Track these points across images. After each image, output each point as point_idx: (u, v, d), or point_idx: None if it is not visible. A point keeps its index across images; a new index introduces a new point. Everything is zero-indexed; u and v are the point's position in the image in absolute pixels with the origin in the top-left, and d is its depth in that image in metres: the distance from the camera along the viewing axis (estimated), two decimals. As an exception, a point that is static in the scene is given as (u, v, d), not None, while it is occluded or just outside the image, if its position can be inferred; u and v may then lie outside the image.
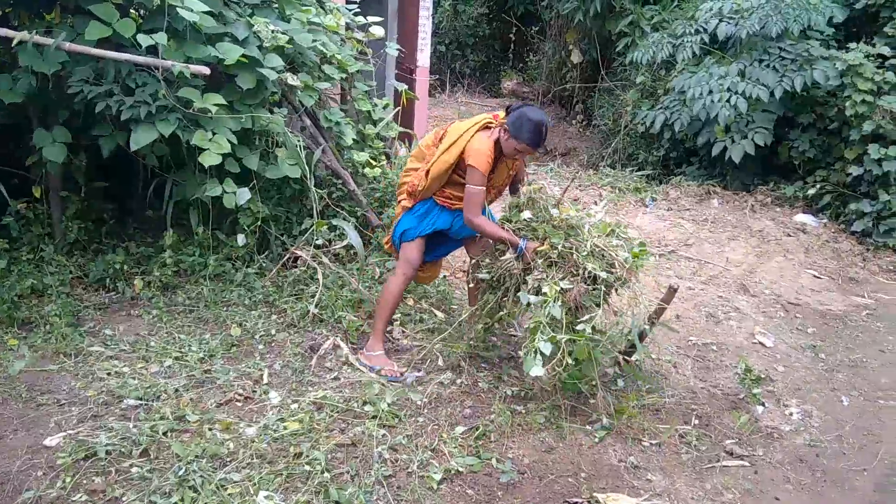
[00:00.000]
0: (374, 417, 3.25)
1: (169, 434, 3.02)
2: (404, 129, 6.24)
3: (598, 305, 3.27)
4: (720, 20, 7.15)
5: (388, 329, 4.03)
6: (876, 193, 6.25)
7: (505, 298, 3.54)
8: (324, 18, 5.11)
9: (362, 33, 5.63)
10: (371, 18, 5.67)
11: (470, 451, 3.12)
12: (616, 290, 3.39)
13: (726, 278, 5.46)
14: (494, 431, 3.26)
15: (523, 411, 3.43)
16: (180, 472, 2.75)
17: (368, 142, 5.61)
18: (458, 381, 3.66)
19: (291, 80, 4.61)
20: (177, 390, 3.38)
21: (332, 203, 4.96)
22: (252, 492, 2.71)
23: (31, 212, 4.64)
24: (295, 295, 4.42)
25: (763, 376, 4.00)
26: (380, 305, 3.78)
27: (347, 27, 5.58)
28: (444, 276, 4.86)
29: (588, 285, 3.27)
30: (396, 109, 6.21)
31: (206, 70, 4.08)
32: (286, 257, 4.68)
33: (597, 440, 3.27)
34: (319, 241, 4.69)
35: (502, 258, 3.52)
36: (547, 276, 3.29)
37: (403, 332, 4.19)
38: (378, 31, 5.65)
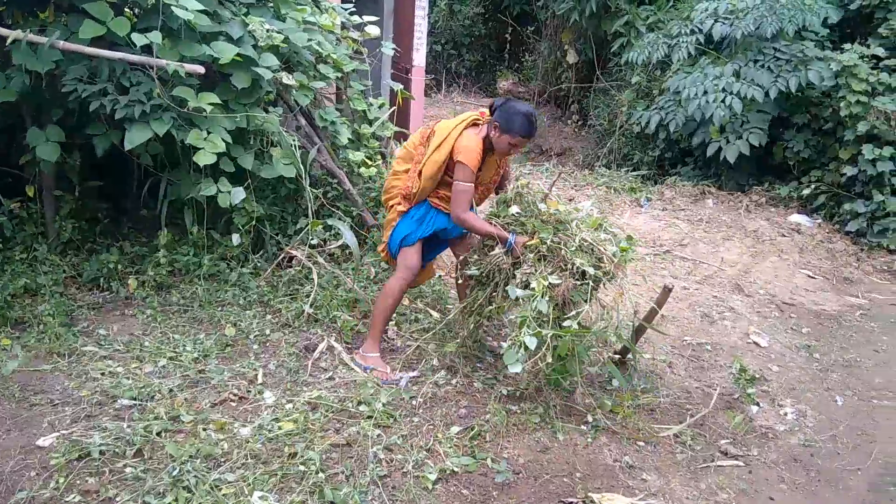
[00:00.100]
0: (370, 417, 3.24)
1: (163, 434, 3.01)
2: (400, 128, 6.23)
3: (585, 301, 3.27)
4: (715, 21, 7.17)
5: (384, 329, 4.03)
6: (870, 194, 6.27)
7: (494, 293, 3.52)
8: (319, 17, 5.10)
9: (358, 32, 5.62)
10: (367, 18, 5.66)
11: (465, 451, 3.11)
12: (604, 284, 3.39)
13: (721, 278, 5.47)
14: (490, 431, 3.25)
15: (518, 411, 3.43)
16: (174, 473, 2.74)
17: (364, 141, 5.60)
18: (454, 380, 3.66)
19: (286, 79, 4.60)
20: (171, 390, 3.36)
21: (328, 203, 4.96)
22: (246, 492, 2.70)
23: (25, 211, 4.62)
24: (290, 295, 4.42)
25: (758, 376, 4.01)
26: (377, 309, 3.77)
27: (343, 26, 5.57)
28: (440, 276, 4.86)
29: (576, 280, 3.27)
30: (392, 109, 6.21)
31: (201, 69, 4.07)
32: (281, 257, 4.67)
33: (590, 440, 3.27)
34: (314, 241, 4.68)
35: (491, 253, 3.51)
36: (536, 271, 3.29)
37: (398, 332, 4.18)
38: (374, 31, 5.64)
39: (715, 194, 7.28)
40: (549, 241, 3.33)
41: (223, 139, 4.21)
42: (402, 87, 6.30)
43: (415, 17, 7.43)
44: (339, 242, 4.77)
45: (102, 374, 3.48)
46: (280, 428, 3.10)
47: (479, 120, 3.63)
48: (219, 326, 4.06)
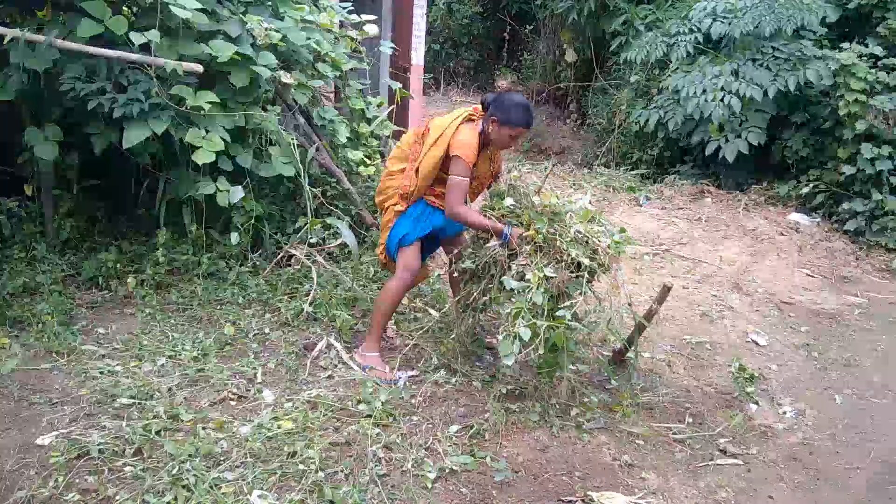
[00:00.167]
0: (369, 416, 3.24)
1: (162, 433, 3.00)
2: (398, 127, 6.23)
3: (580, 293, 3.28)
4: (714, 19, 7.18)
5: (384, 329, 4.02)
6: (869, 192, 6.28)
7: (489, 286, 3.49)
8: (318, 16, 5.09)
9: (356, 31, 5.62)
10: (365, 16, 5.66)
11: (464, 449, 3.11)
12: (598, 277, 3.39)
13: (720, 277, 5.47)
14: (489, 430, 3.25)
15: (517, 410, 3.43)
16: (174, 471, 2.74)
17: (362, 140, 5.60)
18: (453, 379, 3.66)
19: (285, 77, 4.59)
20: (170, 389, 3.36)
21: (327, 201, 4.95)
22: (246, 491, 2.70)
23: (23, 210, 4.61)
24: (289, 293, 4.41)
25: (756, 375, 4.01)
26: (377, 309, 3.75)
27: (341, 25, 5.57)
28: (438, 275, 4.86)
29: (572, 272, 3.28)
30: (391, 108, 6.20)
31: (199, 68, 4.07)
32: (280, 256, 4.66)
33: (585, 437, 3.27)
34: (314, 240, 4.68)
35: (487, 245, 3.50)
36: (531, 263, 3.29)
37: (397, 331, 4.18)
38: (372, 30, 5.64)
39: (714, 193, 7.28)
40: (545, 232, 3.33)
41: (222, 138, 4.21)
42: (400, 85, 6.30)
43: (413, 15, 7.42)
44: (339, 241, 4.77)
45: (101, 372, 3.48)
46: (279, 427, 3.10)
47: (473, 115, 3.63)
48: (218, 325, 4.05)
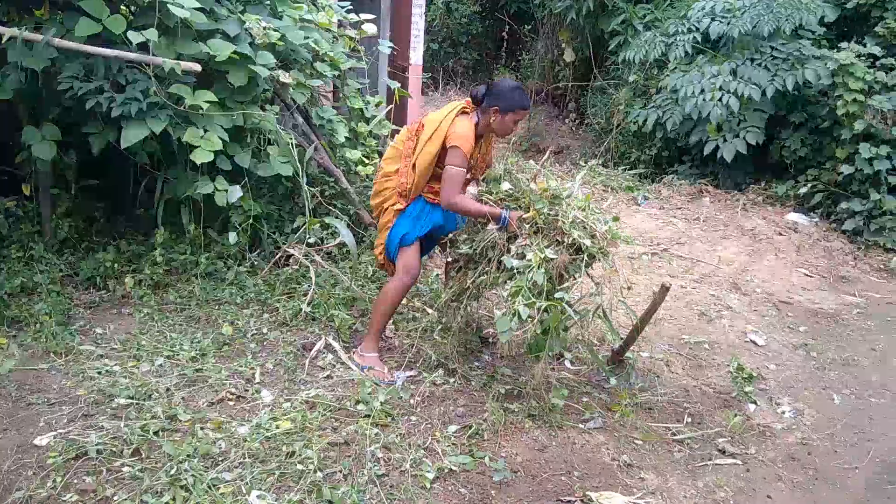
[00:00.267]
0: (367, 416, 3.24)
1: (160, 433, 3.00)
2: (397, 126, 6.22)
3: (580, 276, 3.30)
4: (712, 19, 7.17)
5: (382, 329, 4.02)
6: (867, 192, 6.28)
7: (487, 270, 3.47)
8: (316, 15, 5.09)
9: (355, 31, 5.61)
10: (364, 16, 5.65)
11: (463, 449, 3.11)
12: (598, 260, 3.39)
13: (718, 277, 5.48)
14: (487, 430, 3.25)
15: (516, 410, 3.43)
16: (172, 472, 2.74)
17: (361, 139, 5.60)
18: (451, 379, 3.66)
19: (283, 77, 4.59)
20: (168, 389, 3.36)
21: (325, 201, 4.95)
22: (244, 491, 2.69)
23: (21, 209, 4.61)
24: (287, 293, 4.41)
25: (755, 374, 4.02)
26: (376, 310, 3.74)
27: (340, 24, 5.56)
28: (437, 275, 4.85)
29: (572, 255, 3.28)
30: (389, 107, 6.20)
31: (197, 67, 4.06)
32: (278, 255, 4.66)
33: (583, 437, 3.27)
34: (312, 240, 4.67)
35: (485, 229, 3.49)
36: (532, 244, 3.29)
37: (395, 331, 4.18)
38: (371, 29, 5.63)
39: (712, 193, 7.28)
40: (545, 211, 3.34)
41: (220, 137, 4.20)
42: (399, 85, 6.29)
43: (412, 15, 7.41)
44: (337, 241, 4.76)
45: (99, 372, 3.47)
46: (278, 427, 3.09)
47: (466, 108, 3.63)
48: (216, 325, 4.05)
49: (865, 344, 4.64)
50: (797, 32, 6.97)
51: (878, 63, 6.45)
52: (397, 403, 3.41)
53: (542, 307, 3.15)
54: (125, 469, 2.76)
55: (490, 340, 4.12)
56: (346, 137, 5.31)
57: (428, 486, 2.85)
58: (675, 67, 7.43)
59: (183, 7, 3.96)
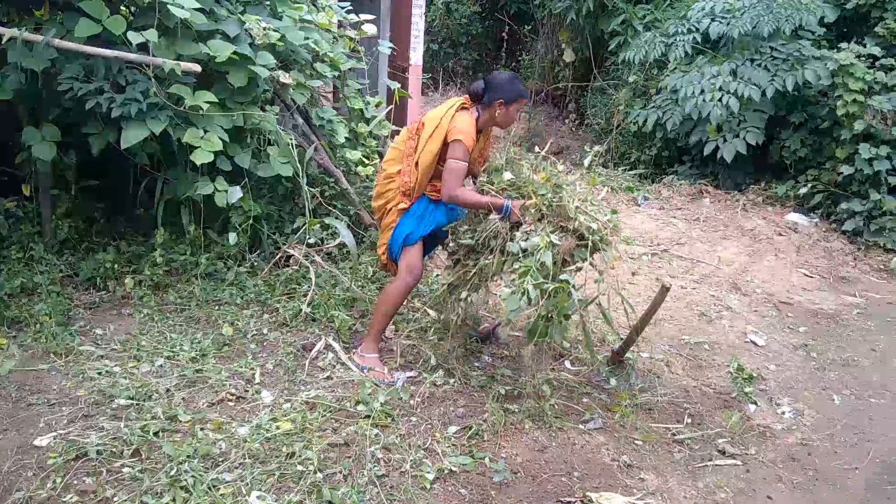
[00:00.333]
0: (367, 417, 3.24)
1: (160, 434, 3.00)
2: (397, 127, 6.22)
3: (585, 260, 3.32)
4: (712, 20, 7.18)
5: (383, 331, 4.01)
6: (867, 193, 6.28)
7: (489, 260, 3.46)
8: (316, 16, 5.09)
9: (355, 31, 5.61)
10: (364, 16, 5.65)
11: (463, 450, 3.11)
12: (600, 250, 3.39)
13: (718, 277, 5.48)
14: (487, 431, 3.25)
15: (516, 410, 3.43)
16: (172, 473, 2.73)
17: (361, 140, 5.59)
18: (451, 380, 3.66)
19: (283, 77, 4.59)
20: (168, 390, 3.35)
21: (325, 201, 4.95)
22: (244, 492, 2.69)
23: (21, 210, 4.60)
24: (287, 294, 4.41)
25: (755, 375, 4.02)
26: (378, 311, 3.73)
27: (340, 25, 5.56)
28: (437, 275, 4.85)
29: (577, 241, 3.30)
30: (389, 108, 6.20)
31: (197, 67, 4.06)
32: (278, 256, 4.66)
33: (583, 438, 3.27)
34: (312, 240, 4.67)
35: (488, 218, 3.48)
36: (537, 229, 3.30)
37: (394, 331, 4.17)
38: (371, 29, 5.63)
39: (712, 193, 7.29)
40: (549, 197, 3.35)
41: (220, 138, 4.20)
42: (399, 85, 6.29)
43: (412, 15, 7.41)
44: (337, 241, 4.76)
45: (99, 373, 3.47)
46: (278, 427, 3.09)
47: (465, 104, 3.64)
48: (216, 326, 4.05)
49: (865, 344, 4.64)
50: (797, 33, 6.97)
51: (877, 63, 6.46)
52: (397, 404, 3.41)
53: (551, 289, 3.15)
54: (125, 470, 2.76)
55: (489, 340, 4.12)
56: (346, 138, 5.31)
57: (428, 486, 2.85)
58: (675, 68, 7.43)
59: (183, 8, 3.96)
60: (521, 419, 3.37)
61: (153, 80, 4.02)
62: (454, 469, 2.96)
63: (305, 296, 4.30)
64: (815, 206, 6.78)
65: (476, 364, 3.88)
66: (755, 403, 3.77)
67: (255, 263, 4.65)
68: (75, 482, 2.70)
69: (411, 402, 3.44)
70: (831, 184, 6.67)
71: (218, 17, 4.32)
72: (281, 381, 3.55)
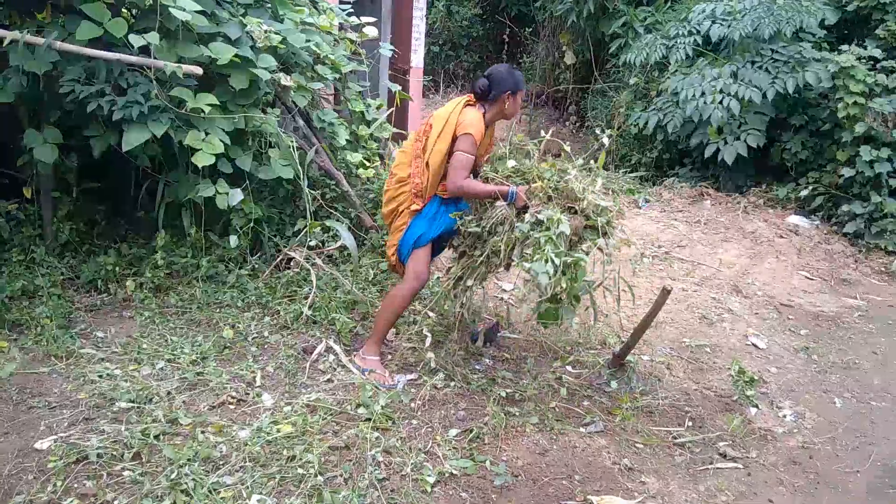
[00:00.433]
0: (368, 420, 3.23)
1: (161, 437, 3.00)
2: (398, 129, 6.23)
3: (595, 240, 3.36)
4: (713, 22, 7.18)
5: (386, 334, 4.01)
6: (868, 195, 6.28)
7: (496, 248, 3.46)
8: (317, 19, 5.10)
9: (356, 34, 5.62)
10: (364, 19, 5.66)
11: (464, 453, 3.11)
12: (607, 234, 3.40)
13: (719, 280, 5.47)
14: (488, 434, 3.25)
15: (517, 413, 3.43)
16: (172, 476, 2.73)
17: (362, 142, 5.60)
18: (452, 383, 3.65)
19: (284, 80, 4.59)
20: (169, 393, 3.35)
21: (326, 204, 4.95)
22: (245, 495, 2.69)
23: (22, 212, 4.60)
24: (288, 296, 4.41)
25: (756, 378, 4.01)
26: (381, 314, 3.72)
27: (341, 27, 5.57)
28: (437, 278, 4.85)
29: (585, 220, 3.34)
30: (390, 110, 6.21)
31: (199, 70, 4.06)
32: (279, 259, 4.66)
33: (584, 441, 3.26)
34: (313, 243, 4.67)
35: (495, 205, 3.49)
36: (545, 210, 3.32)
37: (395, 334, 4.17)
38: (371, 32, 5.64)
39: (713, 195, 7.28)
40: (554, 178, 3.38)
41: (221, 140, 4.20)
42: (399, 88, 6.30)
43: (413, 18, 7.43)
44: (338, 244, 4.76)
45: (100, 376, 3.47)
46: (278, 430, 3.09)
47: (470, 101, 3.66)
48: (217, 328, 4.05)
49: (867, 347, 4.64)
50: (798, 35, 6.97)
51: (878, 66, 6.45)
52: (398, 407, 3.41)
53: (571, 261, 3.19)
54: (126, 473, 2.76)
55: (488, 340, 4.12)
56: (346, 140, 5.31)
57: (429, 490, 2.84)
58: (676, 70, 7.43)
59: (184, 10, 3.96)
60: (522, 422, 3.37)
61: (154, 82, 4.02)
62: (455, 472, 2.96)
63: (306, 298, 4.30)
64: (816, 209, 6.78)
65: (477, 367, 3.88)
66: (756, 406, 3.77)
67: (256, 266, 4.65)
68: (76, 485, 2.70)
69: (412, 404, 3.44)
70: (832, 186, 6.67)
71: (219, 19, 4.33)
72: (282, 384, 3.55)
